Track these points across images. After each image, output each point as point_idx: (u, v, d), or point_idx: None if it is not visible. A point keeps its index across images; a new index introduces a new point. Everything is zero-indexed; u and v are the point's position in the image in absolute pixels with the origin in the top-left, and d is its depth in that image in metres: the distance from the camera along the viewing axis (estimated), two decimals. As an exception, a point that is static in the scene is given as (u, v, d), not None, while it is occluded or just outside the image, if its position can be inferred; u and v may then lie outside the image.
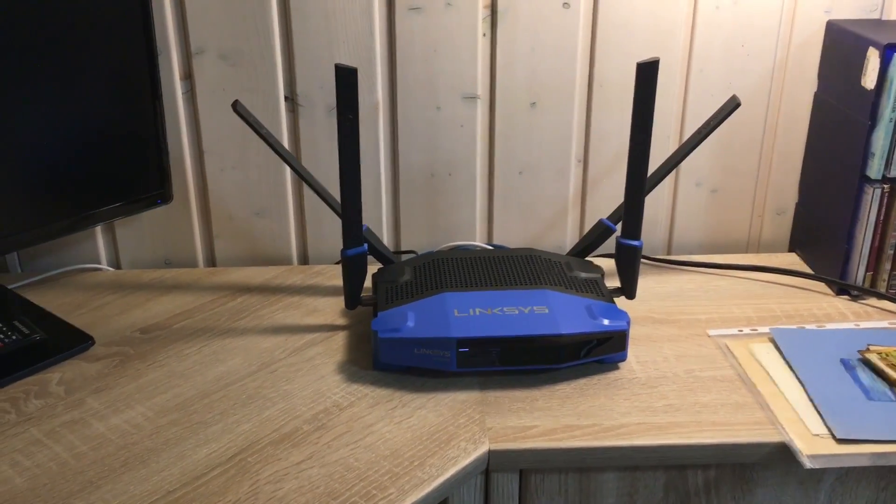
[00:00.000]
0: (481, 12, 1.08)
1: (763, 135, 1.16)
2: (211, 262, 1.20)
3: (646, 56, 1.10)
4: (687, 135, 1.16)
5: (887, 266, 1.04)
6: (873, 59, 0.98)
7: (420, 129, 1.13)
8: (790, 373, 0.90)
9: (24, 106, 0.93)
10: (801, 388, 0.87)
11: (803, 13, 1.10)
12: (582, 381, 0.90)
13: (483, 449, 0.80)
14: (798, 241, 1.20)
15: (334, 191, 1.05)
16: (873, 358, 0.90)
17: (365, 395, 0.88)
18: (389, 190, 1.16)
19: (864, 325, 0.99)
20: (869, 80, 0.98)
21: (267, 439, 0.81)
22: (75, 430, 0.83)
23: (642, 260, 1.17)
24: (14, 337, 0.93)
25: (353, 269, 0.97)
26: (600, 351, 0.91)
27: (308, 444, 0.80)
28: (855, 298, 1.06)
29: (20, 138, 0.94)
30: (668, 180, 1.18)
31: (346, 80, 0.88)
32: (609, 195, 1.18)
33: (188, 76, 1.09)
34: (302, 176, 1.01)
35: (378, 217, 1.17)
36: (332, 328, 1.01)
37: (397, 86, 1.11)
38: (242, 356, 0.95)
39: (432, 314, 0.92)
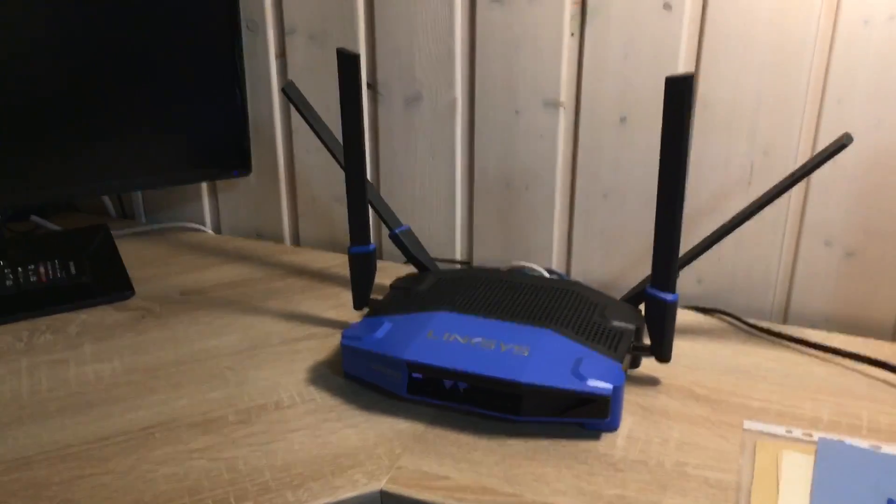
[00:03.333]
0: (569, 9, 0.95)
1: (924, 192, 0.89)
2: (296, 240, 1.21)
3: (763, 75, 0.90)
4: (816, 178, 0.93)
5: None
6: None
7: (497, 133, 1.03)
8: (807, 499, 0.68)
9: (117, 76, 1.01)
10: (804, 522, 0.65)
11: None
12: (544, 442, 0.76)
13: (374, 488, 0.71)
14: (961, 339, 0.91)
15: (406, 182, 1.01)
16: (935, 511, 0.65)
17: (312, 400, 0.82)
18: (464, 195, 1.08)
19: (971, 465, 0.72)
20: None
21: (189, 419, 0.79)
22: (52, 368, 0.88)
23: (736, 322, 0.97)
24: (60, 275, 1.01)
25: (357, 267, 0.91)
26: (576, 413, 0.76)
27: (218, 435, 0.77)
28: None
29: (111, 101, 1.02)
30: (787, 234, 0.95)
31: (349, 65, 0.83)
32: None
33: (282, 54, 1.10)
34: (341, 164, 0.97)
35: (451, 223, 1.09)
36: (342, 325, 0.96)
37: (475, 83, 1.02)
38: (241, 335, 0.94)
39: (406, 331, 0.83)
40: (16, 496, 0.69)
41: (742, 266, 0.98)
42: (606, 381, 0.76)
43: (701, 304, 1.01)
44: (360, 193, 0.88)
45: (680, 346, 0.92)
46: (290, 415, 0.80)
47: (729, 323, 0.97)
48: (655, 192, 0.99)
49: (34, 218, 1.24)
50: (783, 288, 0.98)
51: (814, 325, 0.98)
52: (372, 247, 0.91)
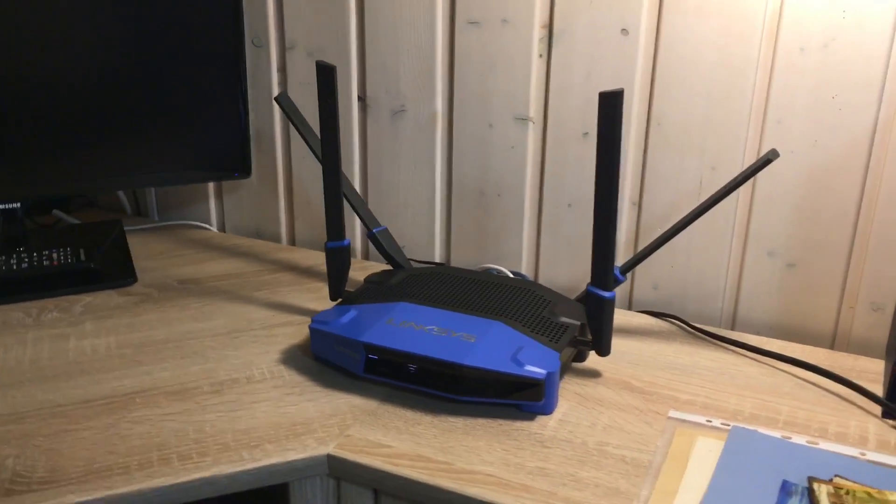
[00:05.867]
0: (538, 32, 1.03)
1: (859, 208, 0.95)
2: (292, 240, 1.30)
3: (710, 97, 0.97)
4: (759, 193, 0.99)
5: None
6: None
7: (472, 145, 1.11)
8: (707, 478, 0.74)
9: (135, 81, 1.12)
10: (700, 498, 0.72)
11: (921, 66, 0.89)
12: (482, 421, 0.84)
13: (322, 451, 0.79)
14: (893, 348, 0.96)
15: (391, 188, 1.09)
16: (821, 490, 0.71)
17: (280, 377, 0.91)
18: (443, 202, 1.16)
19: (871, 455, 0.78)
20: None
21: (167, 388, 0.88)
22: (54, 341, 0.98)
23: (683, 326, 1.03)
24: (70, 261, 1.12)
25: (333, 261, 1.00)
26: (513, 395, 0.84)
27: (191, 402, 0.86)
28: (901, 427, 0.83)
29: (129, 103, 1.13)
30: (734, 245, 1.02)
31: (326, 75, 0.92)
32: (665, 246, 1.05)
33: (283, 69, 1.21)
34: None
35: (431, 228, 1.18)
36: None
37: (454, 98, 1.11)
38: (227, 319, 1.04)
39: (369, 317, 0.92)
40: (8, 444, 0.78)
41: (693, 274, 1.05)
42: (542, 367, 0.83)
43: (656, 309, 1.08)
44: (335, 192, 0.97)
45: (627, 344, 0.99)
46: (258, 388, 0.89)
47: (678, 326, 1.04)
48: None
49: (56, 212, 1.35)
50: (731, 296, 1.04)
51: (759, 333, 1.04)
52: (346, 242, 1.00)
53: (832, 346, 1.01)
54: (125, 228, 1.32)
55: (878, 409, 0.86)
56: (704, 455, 0.78)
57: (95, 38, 1.08)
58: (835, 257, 0.98)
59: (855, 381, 0.91)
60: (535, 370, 0.83)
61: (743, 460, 0.76)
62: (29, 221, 1.33)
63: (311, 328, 0.92)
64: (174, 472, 0.75)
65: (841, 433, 0.82)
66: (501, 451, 0.79)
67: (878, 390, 0.90)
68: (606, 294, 0.87)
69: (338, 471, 0.79)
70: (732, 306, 1.04)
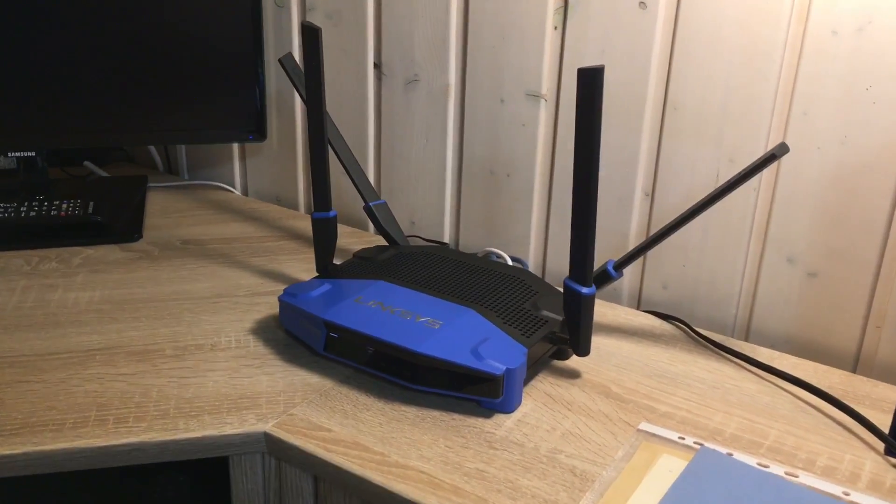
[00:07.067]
0: (553, 1, 0.96)
1: (891, 215, 0.84)
2: (309, 208, 1.27)
3: (731, 81, 0.88)
4: (780, 192, 0.90)
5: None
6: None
7: (483, 120, 1.05)
8: (659, 497, 0.67)
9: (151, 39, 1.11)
10: (641, 521, 0.65)
11: (973, 58, 0.77)
12: (435, 413, 0.79)
13: (259, 429, 0.76)
14: (919, 376, 0.85)
15: (403, 161, 1.06)
16: (777, 531, 0.63)
17: (245, 347, 0.88)
18: (454, 180, 1.11)
19: (855, 496, 0.69)
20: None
21: (130, 348, 0.87)
22: (42, 291, 0.98)
23: (688, 331, 0.95)
24: (77, 212, 1.12)
25: (319, 232, 0.96)
26: (470, 389, 0.78)
27: (148, 364, 0.85)
28: (902, 467, 0.73)
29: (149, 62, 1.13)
30: (752, 248, 0.93)
31: (311, 37, 0.88)
32: (677, 243, 0.97)
33: (303, 31, 1.17)
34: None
35: (441, 206, 1.13)
36: (307, 287, 1.02)
37: (467, 70, 1.05)
38: (214, 283, 1.02)
39: (339, 294, 0.88)
40: (-41, 389, 0.79)
41: (706, 275, 0.96)
42: (502, 362, 0.77)
43: (663, 311, 1.00)
44: (322, 160, 0.93)
45: (619, 345, 0.92)
46: (219, 356, 0.87)
47: (683, 331, 0.95)
48: (626, 190, 0.98)
49: (87, 164, 1.37)
50: (746, 303, 0.95)
51: (774, 346, 0.95)
52: (333, 213, 0.96)
53: (854, 369, 0.91)
54: (152, 185, 1.33)
55: (881, 445, 0.76)
56: (664, 475, 0.71)
57: (127, 12, 1.08)
58: (862, 269, 0.87)
59: (866, 410, 0.81)
60: (493, 365, 0.77)
61: (701, 486, 0.68)
62: (61, 172, 1.35)
63: (280, 300, 0.89)
64: (105, 434, 0.74)
65: (830, 467, 0.73)
66: (444, 447, 0.74)
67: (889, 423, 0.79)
68: (584, 290, 0.80)
69: (275, 450, 0.76)
70: (747, 314, 0.95)
